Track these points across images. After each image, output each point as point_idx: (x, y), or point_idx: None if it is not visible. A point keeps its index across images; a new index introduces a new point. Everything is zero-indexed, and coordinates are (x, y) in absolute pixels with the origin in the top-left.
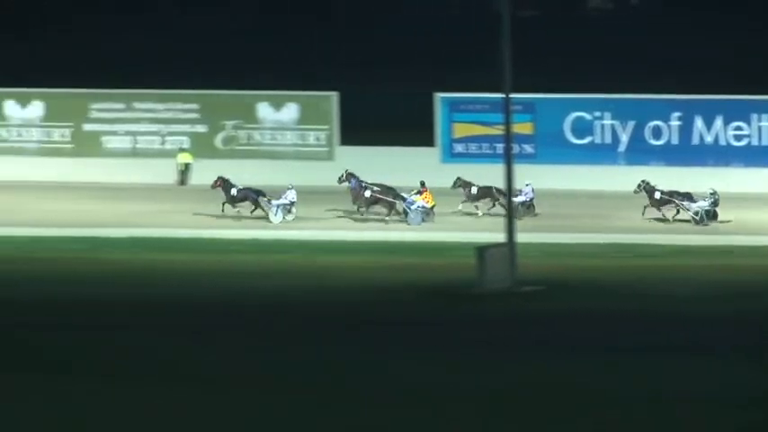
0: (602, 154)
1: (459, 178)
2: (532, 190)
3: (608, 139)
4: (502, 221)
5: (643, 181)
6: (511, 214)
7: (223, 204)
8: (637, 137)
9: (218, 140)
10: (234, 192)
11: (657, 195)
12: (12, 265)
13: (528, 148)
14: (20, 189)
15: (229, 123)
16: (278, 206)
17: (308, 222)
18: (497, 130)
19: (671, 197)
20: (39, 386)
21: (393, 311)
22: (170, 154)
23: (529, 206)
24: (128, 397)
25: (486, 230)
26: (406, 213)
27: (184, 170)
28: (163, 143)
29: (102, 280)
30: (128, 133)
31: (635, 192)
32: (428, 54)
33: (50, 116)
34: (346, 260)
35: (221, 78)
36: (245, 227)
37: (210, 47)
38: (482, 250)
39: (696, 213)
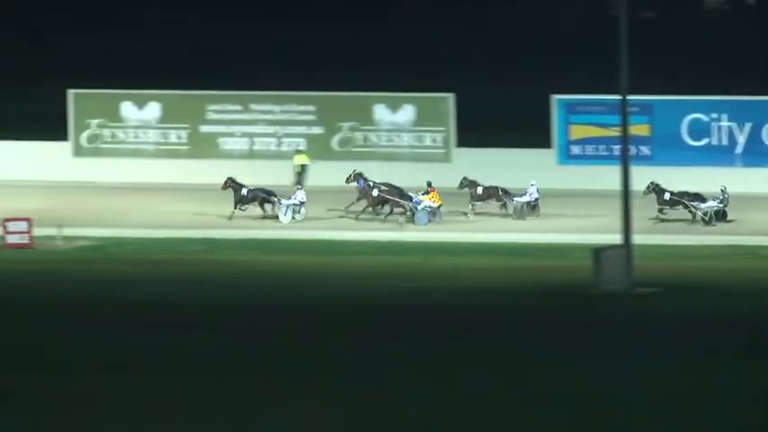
0: (719, 156)
1: (465, 178)
2: (537, 190)
3: (725, 141)
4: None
5: (652, 182)
6: (627, 216)
7: (235, 205)
8: (754, 138)
9: (335, 142)
10: (244, 192)
11: (667, 196)
12: (137, 266)
13: (644, 150)
14: (137, 191)
15: (346, 125)
16: (287, 206)
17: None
18: (614, 132)
19: (680, 198)
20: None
21: (527, 314)
22: (286, 156)
23: (534, 206)
24: (298, 401)
25: (597, 231)
26: (413, 213)
27: (301, 172)
28: (279, 145)
29: (243, 280)
30: (244, 135)
31: (644, 193)
32: (545, 55)
33: (167, 118)
34: (463, 262)
35: (338, 80)
36: (362, 229)
37: (327, 49)
38: (598, 252)
39: (705, 214)
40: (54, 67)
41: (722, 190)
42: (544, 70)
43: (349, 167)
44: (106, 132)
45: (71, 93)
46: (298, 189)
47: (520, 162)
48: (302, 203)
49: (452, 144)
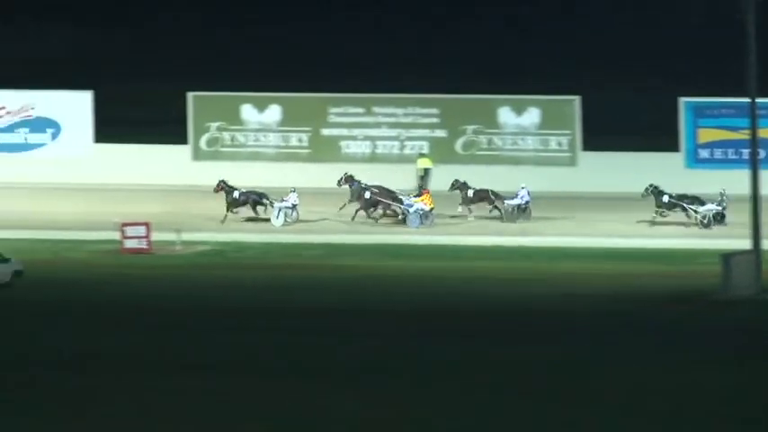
0: None
1: (456, 180)
2: (528, 193)
3: None
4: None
5: (651, 185)
6: (757, 221)
7: (228, 208)
8: None
9: (459, 145)
10: (236, 195)
11: (666, 199)
12: (261, 271)
13: None
14: None
15: (470, 128)
16: (280, 209)
17: (546, 228)
18: (743, 135)
19: (679, 201)
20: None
21: (661, 318)
22: (409, 159)
23: (524, 209)
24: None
25: (724, 237)
26: (405, 216)
27: (424, 176)
28: (402, 148)
29: (383, 285)
30: (366, 138)
31: (642, 196)
32: (673, 57)
33: (288, 120)
34: (586, 267)
35: (462, 82)
36: (484, 233)
37: (450, 51)
38: (728, 257)
39: (704, 217)
40: (173, 69)
41: (721, 193)
42: (672, 73)
43: (473, 172)
44: (226, 136)
45: (190, 95)
46: (291, 191)
47: (647, 166)
48: (295, 206)
49: (578, 148)
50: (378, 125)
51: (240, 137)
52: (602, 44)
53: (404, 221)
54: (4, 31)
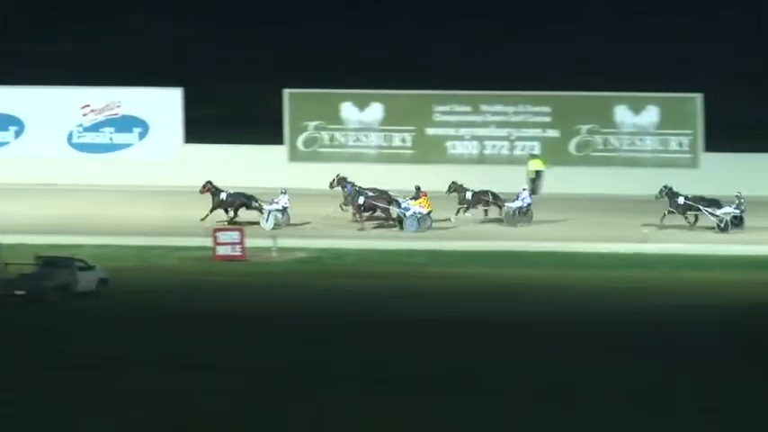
0: None
1: (453, 182)
2: (530, 195)
3: None
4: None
5: (665, 186)
6: None
7: (212, 210)
8: None
9: (572, 146)
10: (223, 196)
11: (681, 201)
12: (363, 280)
13: None
14: None
15: (584, 127)
16: (269, 212)
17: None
18: None
19: (696, 203)
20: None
21: None
22: (519, 160)
23: (526, 212)
24: None
25: None
26: (401, 220)
27: (535, 178)
28: (512, 149)
29: (498, 295)
30: (474, 138)
31: (656, 197)
32: None
33: (390, 119)
34: (713, 276)
35: (575, 79)
36: (598, 240)
37: (562, 47)
38: None
39: (721, 221)
40: (267, 65)
41: (737, 196)
42: None
43: (587, 174)
44: (324, 135)
45: (287, 92)
46: (282, 193)
47: None
48: (285, 209)
49: (700, 148)
50: (486, 124)
51: (340, 137)
52: (723, 41)
53: (400, 225)
54: (90, 25)
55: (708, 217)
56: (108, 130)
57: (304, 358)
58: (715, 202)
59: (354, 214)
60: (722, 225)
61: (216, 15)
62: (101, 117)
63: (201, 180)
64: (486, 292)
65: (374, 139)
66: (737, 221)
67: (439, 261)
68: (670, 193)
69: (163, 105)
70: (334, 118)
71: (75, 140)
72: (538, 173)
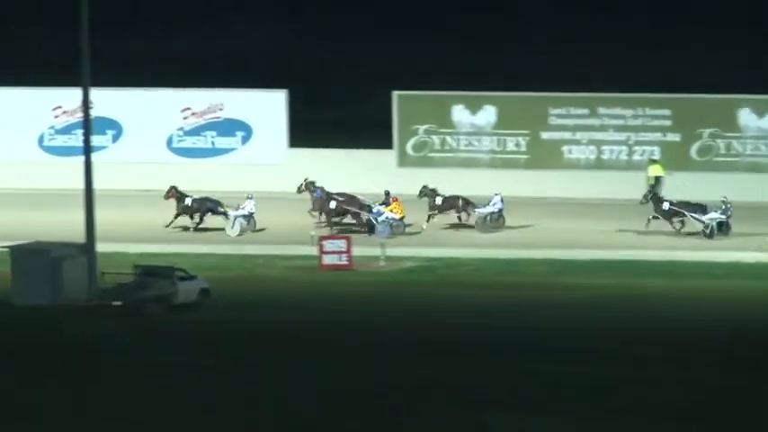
0: None
1: (425, 187)
2: (501, 200)
3: None
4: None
5: (650, 191)
6: None
7: (176, 215)
8: None
9: (694, 151)
10: (188, 202)
11: (666, 206)
12: (484, 290)
13: None
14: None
15: (706, 132)
16: (236, 218)
17: None
18: None
19: (681, 208)
20: None
21: None
22: (638, 166)
23: (498, 217)
24: None
25: None
26: (372, 225)
27: (655, 184)
28: (630, 154)
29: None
30: (591, 142)
31: (641, 203)
32: None
33: (504, 123)
34: None
35: (696, 81)
36: (720, 248)
37: (683, 48)
38: None
39: (706, 226)
40: (374, 66)
41: (723, 201)
42: None
43: (709, 179)
44: (435, 139)
45: (395, 95)
46: (248, 198)
47: None
48: (251, 214)
49: None
50: (603, 128)
51: (451, 141)
52: None
53: (371, 231)
54: (194, 25)
55: (693, 223)
56: (210, 134)
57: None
58: (701, 208)
59: (323, 219)
60: (708, 231)
61: (322, 15)
62: (202, 120)
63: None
64: (635, 304)
65: (487, 143)
66: (723, 227)
67: (560, 271)
68: (655, 199)
69: (267, 108)
70: (445, 121)
71: (175, 145)
72: (657, 179)
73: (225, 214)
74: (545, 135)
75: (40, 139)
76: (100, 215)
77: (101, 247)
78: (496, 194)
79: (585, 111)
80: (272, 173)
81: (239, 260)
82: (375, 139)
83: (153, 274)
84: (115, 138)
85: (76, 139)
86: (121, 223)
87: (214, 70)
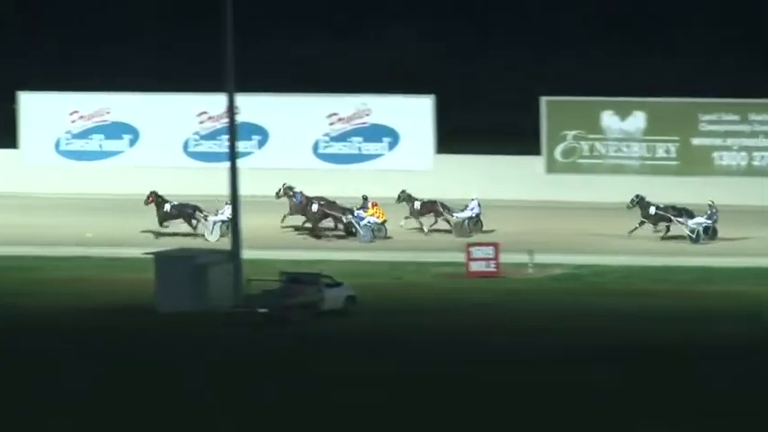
0: None
1: (403, 191)
2: (479, 204)
3: None
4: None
5: (637, 196)
6: None
7: (160, 222)
8: None
9: None
10: (167, 208)
11: (652, 210)
12: (635, 297)
13: None
14: (617, 211)
15: None
16: (215, 223)
17: None
18: None
19: (667, 212)
20: None
21: None
22: None
23: (476, 222)
24: None
25: None
26: (353, 229)
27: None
28: None
29: None
30: (742, 149)
31: (628, 207)
32: None
33: (654, 129)
34: None
35: None
36: None
37: None
38: None
39: (692, 231)
40: (521, 71)
41: (710, 205)
42: None
43: None
44: (584, 145)
45: (543, 100)
46: (226, 204)
47: None
48: (230, 220)
49: None
50: (755, 134)
51: (600, 147)
52: None
53: (353, 235)
54: (344, 34)
55: (679, 227)
56: (356, 139)
57: None
58: (687, 212)
59: (313, 224)
60: (694, 236)
61: (468, 23)
62: (348, 126)
63: (455, 193)
64: None
65: (636, 149)
66: (709, 232)
67: (705, 279)
68: (642, 203)
69: (414, 114)
70: (593, 127)
71: (321, 150)
72: None
73: (204, 219)
74: (695, 141)
75: (185, 145)
76: (245, 221)
77: (246, 254)
78: (473, 199)
79: (737, 117)
80: (419, 179)
81: (387, 267)
82: (523, 146)
83: (299, 281)
84: (261, 144)
85: (222, 144)
86: (267, 229)
87: (359, 77)
